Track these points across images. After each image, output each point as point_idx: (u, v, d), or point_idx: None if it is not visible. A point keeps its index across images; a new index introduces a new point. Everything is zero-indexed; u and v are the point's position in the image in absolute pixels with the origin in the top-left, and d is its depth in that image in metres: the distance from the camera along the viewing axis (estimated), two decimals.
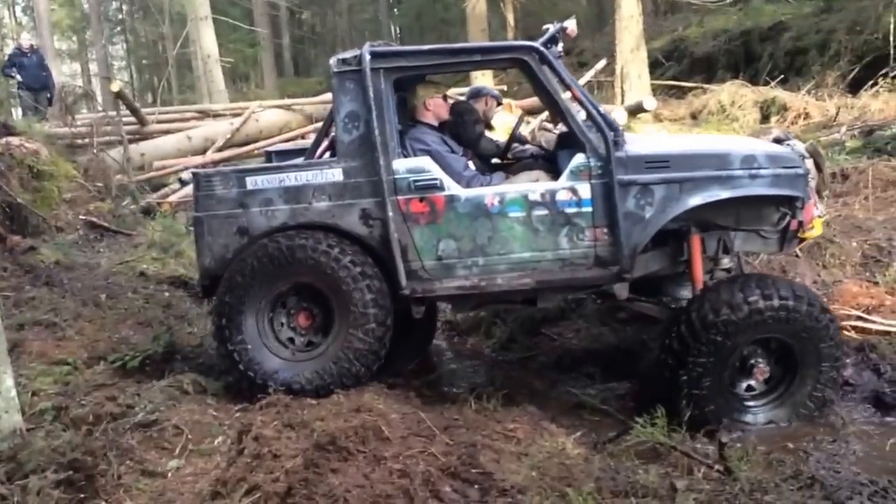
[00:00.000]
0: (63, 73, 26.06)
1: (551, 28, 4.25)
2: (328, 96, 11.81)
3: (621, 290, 4.26)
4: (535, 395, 4.71)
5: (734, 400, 4.11)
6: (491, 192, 4.19)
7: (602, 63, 13.36)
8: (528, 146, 5.12)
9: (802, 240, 4.67)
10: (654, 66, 15.92)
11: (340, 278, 4.11)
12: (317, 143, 4.70)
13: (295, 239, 4.16)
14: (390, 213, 4.12)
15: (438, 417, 3.90)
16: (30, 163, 7.75)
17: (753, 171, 4.12)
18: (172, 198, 9.49)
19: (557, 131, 6.43)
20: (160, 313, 5.80)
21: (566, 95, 4.26)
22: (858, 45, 13.17)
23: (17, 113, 13.43)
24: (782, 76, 13.74)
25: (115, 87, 10.77)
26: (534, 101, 10.39)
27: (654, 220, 4.10)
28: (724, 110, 12.83)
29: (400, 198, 4.16)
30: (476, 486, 3.18)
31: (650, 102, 12.10)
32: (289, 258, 4.15)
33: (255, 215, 4.26)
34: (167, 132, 11.60)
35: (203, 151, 11.07)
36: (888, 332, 4.78)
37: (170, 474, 3.48)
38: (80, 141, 10.17)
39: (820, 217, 4.58)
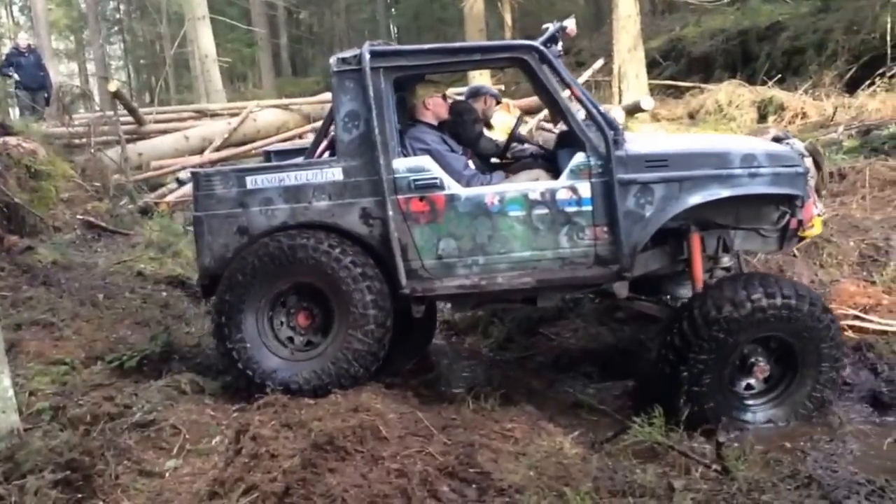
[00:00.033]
0: (60, 72, 26.02)
1: (551, 27, 4.25)
2: (326, 96, 11.86)
3: (621, 289, 4.27)
4: (533, 394, 4.70)
5: (733, 398, 4.12)
6: (491, 192, 4.19)
7: (599, 63, 13.34)
8: (527, 145, 5.11)
9: (802, 238, 4.68)
10: (652, 66, 15.93)
11: (341, 279, 4.10)
12: (316, 143, 4.69)
13: (296, 238, 4.15)
14: (390, 213, 4.12)
15: (436, 417, 3.90)
16: (27, 162, 7.72)
17: (753, 170, 4.12)
18: (170, 197, 9.46)
19: (556, 131, 6.43)
20: (158, 313, 5.80)
21: (566, 94, 4.27)
22: (855, 45, 13.19)
23: (14, 112, 13.44)
24: (779, 76, 13.77)
25: (113, 86, 10.75)
26: (532, 100, 10.38)
27: (654, 218, 4.10)
28: (722, 110, 12.85)
29: (400, 197, 4.15)
30: (474, 486, 3.18)
31: (648, 102, 12.08)
32: (290, 257, 4.14)
33: (255, 215, 4.25)
34: (165, 132, 11.55)
35: (200, 151, 11.03)
36: (885, 332, 4.79)
37: (167, 474, 3.48)
38: (77, 141, 10.13)
39: (819, 216, 4.59)
